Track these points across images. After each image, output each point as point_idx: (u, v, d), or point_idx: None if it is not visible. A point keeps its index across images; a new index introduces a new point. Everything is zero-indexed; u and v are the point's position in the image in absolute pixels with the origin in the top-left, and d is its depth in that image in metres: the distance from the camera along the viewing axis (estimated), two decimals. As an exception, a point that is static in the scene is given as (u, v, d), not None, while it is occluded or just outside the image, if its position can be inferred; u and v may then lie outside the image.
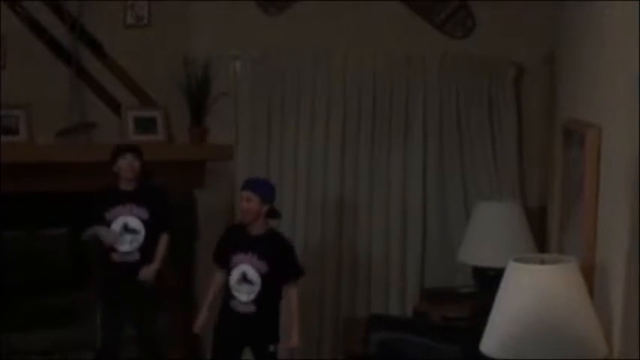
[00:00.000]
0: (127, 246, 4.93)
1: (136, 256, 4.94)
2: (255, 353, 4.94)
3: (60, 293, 5.81)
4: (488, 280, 4.04)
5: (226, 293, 4.86)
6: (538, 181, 5.85)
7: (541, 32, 5.58)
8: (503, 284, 2.96)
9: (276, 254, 4.85)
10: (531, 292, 2.85)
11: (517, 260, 2.96)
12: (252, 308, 4.79)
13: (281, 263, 4.85)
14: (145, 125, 5.89)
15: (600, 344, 2.86)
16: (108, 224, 4.93)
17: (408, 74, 5.87)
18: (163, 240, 5.08)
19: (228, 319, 4.88)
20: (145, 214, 4.95)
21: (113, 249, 4.93)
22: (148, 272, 5.02)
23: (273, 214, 4.93)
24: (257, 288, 4.77)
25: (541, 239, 5.17)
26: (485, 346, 2.94)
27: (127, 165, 4.96)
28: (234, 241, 4.92)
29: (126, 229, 4.93)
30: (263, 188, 4.91)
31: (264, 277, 4.78)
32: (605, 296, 3.19)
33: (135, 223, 4.92)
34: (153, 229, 5.01)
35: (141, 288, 5.00)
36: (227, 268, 4.86)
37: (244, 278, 4.78)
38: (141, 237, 4.93)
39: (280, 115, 5.89)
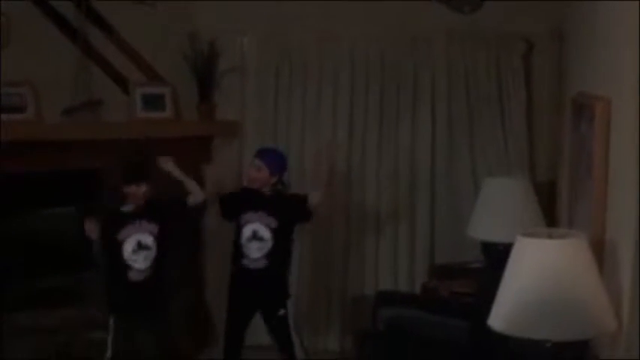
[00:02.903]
0: (142, 263, 4.86)
1: (149, 272, 4.88)
2: (266, 317, 5.01)
3: (66, 272, 5.80)
4: (497, 255, 4.00)
5: (237, 252, 4.94)
6: (547, 156, 5.82)
7: (549, 7, 5.53)
8: (511, 259, 2.94)
9: (282, 206, 4.92)
10: (539, 266, 2.83)
11: (525, 235, 2.93)
12: (262, 263, 4.89)
13: (288, 207, 4.93)
14: (153, 102, 5.88)
15: (609, 319, 2.84)
16: (120, 244, 4.84)
17: (416, 50, 5.84)
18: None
19: (240, 277, 4.97)
20: (155, 229, 4.88)
21: (128, 267, 4.86)
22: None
23: (281, 185, 4.97)
24: (268, 244, 4.87)
25: (550, 214, 5.14)
26: (493, 321, 2.93)
27: (134, 191, 4.84)
28: (242, 201, 4.96)
29: (140, 246, 4.86)
30: (274, 160, 4.98)
31: (274, 232, 4.87)
32: (615, 271, 3.17)
33: (148, 239, 4.86)
34: (163, 243, 4.94)
35: (156, 306, 4.95)
36: (237, 227, 4.92)
37: (255, 236, 4.88)
38: (153, 253, 4.87)
39: (287, 91, 5.87)
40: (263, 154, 5.02)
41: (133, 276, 4.81)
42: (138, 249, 4.80)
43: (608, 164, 3.46)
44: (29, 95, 5.57)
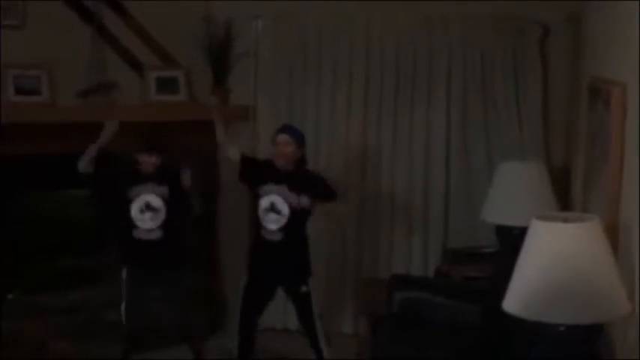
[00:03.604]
0: (149, 223, 4.91)
1: (158, 234, 4.92)
2: (290, 293, 5.02)
3: (82, 253, 5.84)
4: (511, 239, 4.01)
5: (256, 223, 4.95)
6: (562, 140, 5.80)
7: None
8: (526, 243, 2.94)
9: (307, 185, 4.91)
10: (554, 250, 2.83)
11: (540, 218, 2.93)
12: (279, 236, 4.88)
13: (311, 185, 4.91)
14: (167, 85, 5.89)
15: (623, 303, 2.84)
16: (129, 202, 4.90)
17: (431, 34, 5.81)
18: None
19: (259, 249, 4.99)
20: (165, 192, 4.94)
21: (134, 225, 4.92)
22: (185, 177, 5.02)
23: (303, 160, 4.99)
24: (284, 219, 4.86)
25: (565, 200, 5.13)
26: (507, 304, 2.93)
27: (146, 160, 4.92)
28: (265, 172, 4.96)
29: (147, 207, 4.91)
30: (298, 132, 5.00)
31: (293, 209, 4.85)
32: (629, 255, 3.16)
33: (156, 201, 4.91)
34: (173, 207, 4.99)
35: (167, 265, 4.99)
36: (255, 197, 4.94)
37: (272, 208, 4.88)
38: (162, 215, 4.91)
39: (302, 75, 5.86)
40: (287, 128, 5.03)
41: (140, 235, 4.88)
42: (145, 209, 4.87)
43: (623, 149, 3.45)
44: (44, 78, 5.58)
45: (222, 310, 5.96)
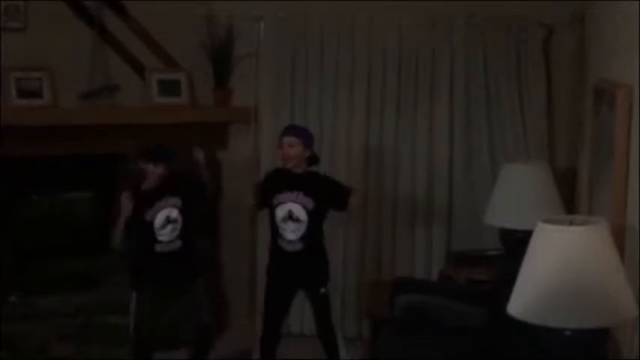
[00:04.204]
0: (169, 235, 4.92)
1: (178, 244, 4.92)
2: (309, 296, 4.99)
3: (84, 256, 5.83)
4: (516, 242, 3.98)
5: (273, 232, 4.90)
6: (567, 142, 5.77)
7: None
8: (531, 246, 2.92)
9: (320, 189, 4.86)
10: (560, 253, 2.81)
11: (546, 221, 2.90)
12: (299, 246, 4.83)
13: (328, 193, 4.87)
14: (169, 88, 5.86)
15: (630, 306, 2.81)
16: (150, 222, 4.89)
17: (434, 35, 5.79)
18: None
19: (277, 258, 4.94)
20: (179, 202, 4.94)
21: (155, 240, 4.91)
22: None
23: (314, 159, 4.95)
24: (303, 226, 4.81)
25: (570, 202, 5.10)
26: (512, 308, 2.90)
27: (151, 170, 4.91)
28: (277, 182, 4.92)
29: (168, 220, 4.92)
30: (304, 133, 4.93)
31: (310, 214, 4.81)
32: (636, 258, 3.14)
33: (173, 213, 4.91)
34: (188, 214, 4.99)
35: (186, 277, 4.98)
36: (271, 207, 4.88)
37: (290, 216, 4.82)
38: (179, 225, 4.91)
39: (304, 76, 5.84)
40: (292, 129, 4.97)
41: (160, 248, 4.89)
42: (166, 223, 4.87)
43: (629, 151, 3.43)
44: (46, 80, 5.56)
45: (224, 311, 5.93)
